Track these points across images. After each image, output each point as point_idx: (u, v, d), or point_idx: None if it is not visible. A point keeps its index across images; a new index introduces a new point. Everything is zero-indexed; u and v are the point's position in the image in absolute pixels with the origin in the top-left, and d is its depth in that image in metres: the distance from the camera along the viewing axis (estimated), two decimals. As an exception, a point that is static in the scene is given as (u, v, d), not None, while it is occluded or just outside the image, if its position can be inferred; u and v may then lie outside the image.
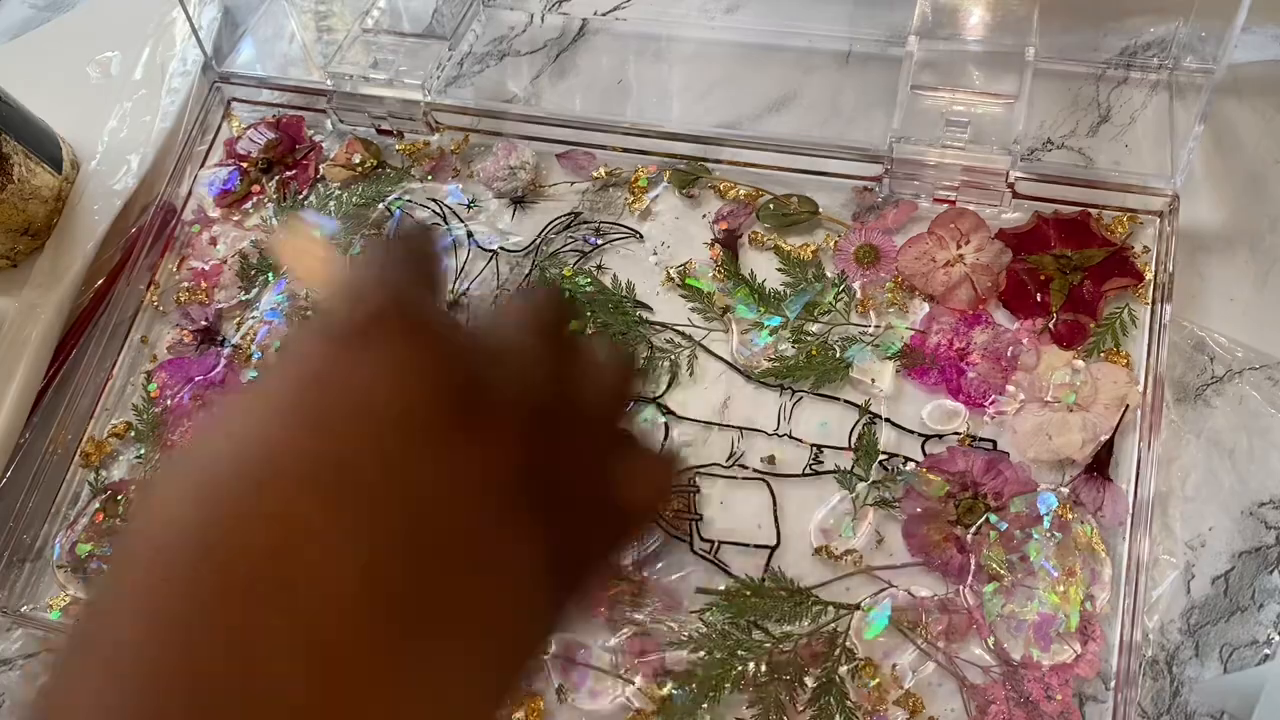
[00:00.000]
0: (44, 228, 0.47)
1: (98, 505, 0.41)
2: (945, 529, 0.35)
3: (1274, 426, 0.36)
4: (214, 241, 0.47)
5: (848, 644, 0.34)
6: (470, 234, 0.45)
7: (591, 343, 0.26)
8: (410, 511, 0.18)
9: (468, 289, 0.44)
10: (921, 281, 0.40)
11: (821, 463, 0.38)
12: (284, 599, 0.17)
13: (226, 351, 0.44)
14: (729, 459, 0.38)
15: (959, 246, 0.40)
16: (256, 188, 0.48)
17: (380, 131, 0.48)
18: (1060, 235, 0.40)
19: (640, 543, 0.38)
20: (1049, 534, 0.35)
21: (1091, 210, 0.40)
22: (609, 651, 0.36)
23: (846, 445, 0.38)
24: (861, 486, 0.37)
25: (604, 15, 0.50)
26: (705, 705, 0.34)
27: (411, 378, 0.19)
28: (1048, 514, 0.35)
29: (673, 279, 0.42)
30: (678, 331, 0.41)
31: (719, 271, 0.42)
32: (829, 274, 0.41)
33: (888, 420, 0.38)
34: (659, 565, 0.36)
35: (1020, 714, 0.33)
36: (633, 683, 0.35)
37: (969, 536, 0.35)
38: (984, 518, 0.35)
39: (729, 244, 0.42)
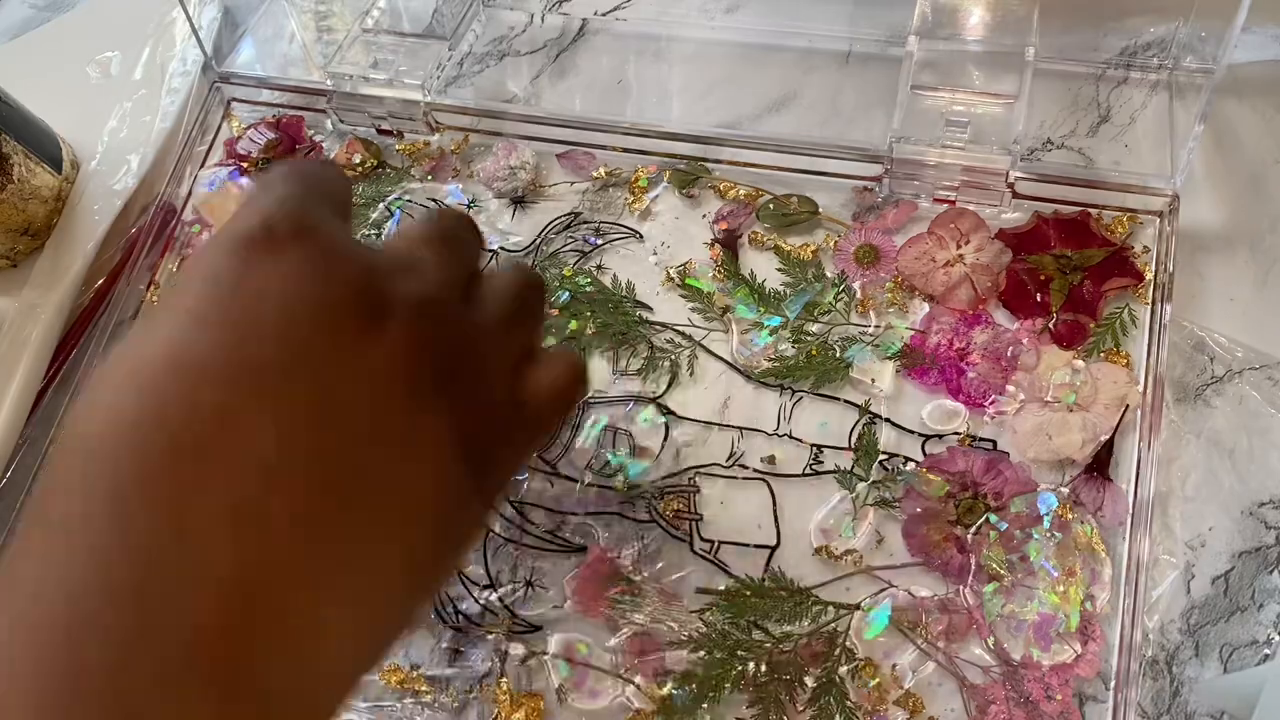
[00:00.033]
0: (44, 228, 0.47)
1: (98, 505, 0.41)
2: (945, 529, 0.35)
3: (1274, 426, 0.36)
4: (214, 241, 0.47)
5: (848, 644, 0.34)
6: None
7: (494, 265, 0.28)
8: (320, 396, 0.20)
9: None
10: (921, 281, 0.40)
11: (821, 463, 0.38)
12: (207, 472, 0.18)
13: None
14: (729, 459, 0.38)
15: (959, 246, 0.40)
16: (256, 188, 0.48)
17: (380, 131, 0.48)
18: (1060, 235, 0.40)
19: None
20: (1049, 534, 0.35)
21: (1091, 210, 0.40)
22: (609, 651, 0.36)
23: (846, 445, 0.38)
24: (861, 486, 0.37)
25: (604, 15, 0.50)
26: (705, 705, 0.34)
27: (317, 280, 0.21)
28: (1048, 514, 0.35)
29: (673, 279, 0.42)
30: (678, 331, 0.41)
31: (719, 271, 0.42)
32: (829, 274, 0.41)
33: (888, 420, 0.38)
34: (659, 565, 0.36)
35: (1020, 714, 0.33)
36: (633, 683, 0.35)
37: (969, 536, 0.35)
38: (984, 518, 0.35)
39: (729, 244, 0.42)
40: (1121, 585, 0.34)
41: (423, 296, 0.23)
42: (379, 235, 0.46)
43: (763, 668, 0.34)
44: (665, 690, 0.34)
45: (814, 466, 0.37)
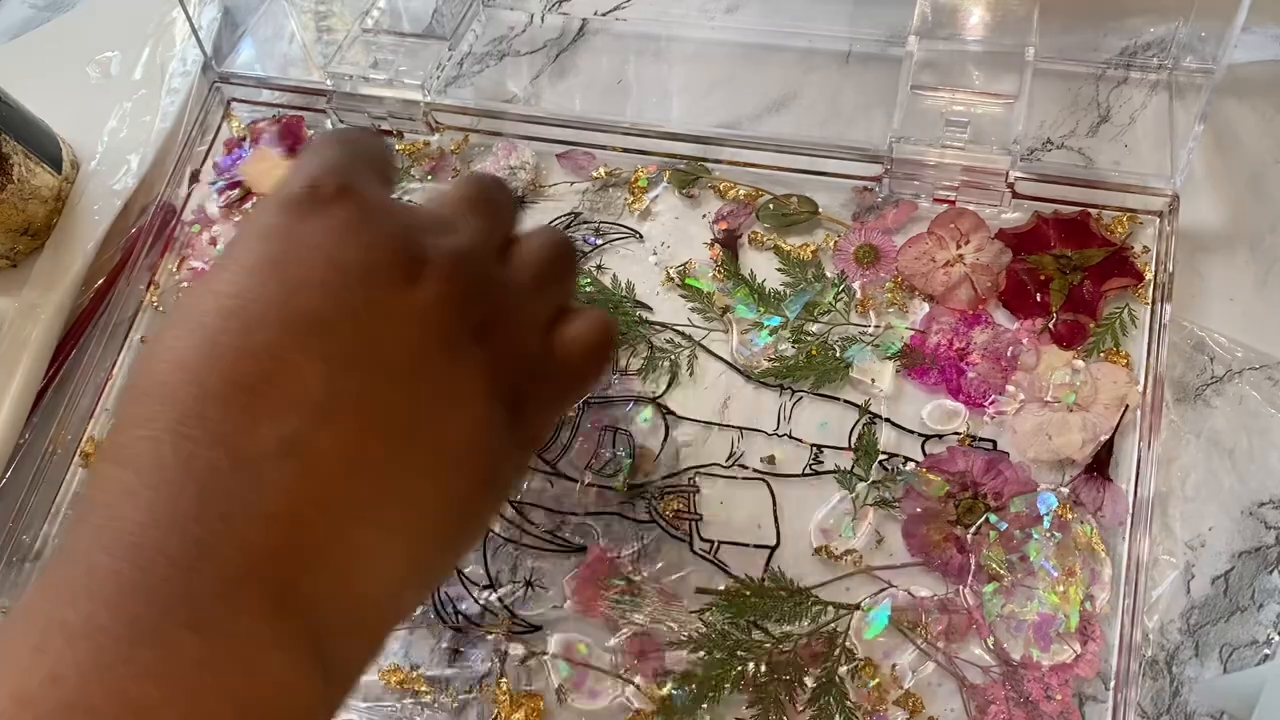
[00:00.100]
0: (44, 228, 0.47)
1: (98, 505, 0.41)
2: (945, 529, 0.35)
3: (1274, 426, 0.36)
4: (214, 241, 0.47)
5: (848, 644, 0.34)
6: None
7: (532, 227, 0.29)
8: (363, 342, 0.21)
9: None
10: (921, 281, 0.40)
11: (821, 463, 0.38)
12: (260, 408, 0.20)
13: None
14: (729, 459, 0.38)
15: (959, 246, 0.40)
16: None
17: (380, 132, 0.48)
18: (1060, 235, 0.40)
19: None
20: (1049, 534, 0.35)
21: (1091, 210, 0.40)
22: (609, 651, 0.36)
23: (846, 445, 0.38)
24: (861, 486, 0.37)
25: (604, 15, 0.50)
26: (705, 705, 0.34)
27: (360, 235, 0.22)
28: (1048, 514, 0.35)
29: (673, 279, 0.42)
30: (677, 331, 0.41)
31: (719, 271, 0.42)
32: (829, 274, 0.41)
33: (888, 420, 0.38)
34: (659, 565, 0.36)
35: (1020, 714, 0.33)
36: (633, 683, 0.35)
37: (969, 536, 0.35)
38: (984, 518, 0.35)
39: (729, 244, 0.42)
40: (1121, 585, 0.34)
41: (459, 253, 0.24)
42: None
43: (763, 668, 0.34)
44: (665, 690, 0.34)
45: (814, 466, 0.37)
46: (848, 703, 0.33)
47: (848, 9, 0.48)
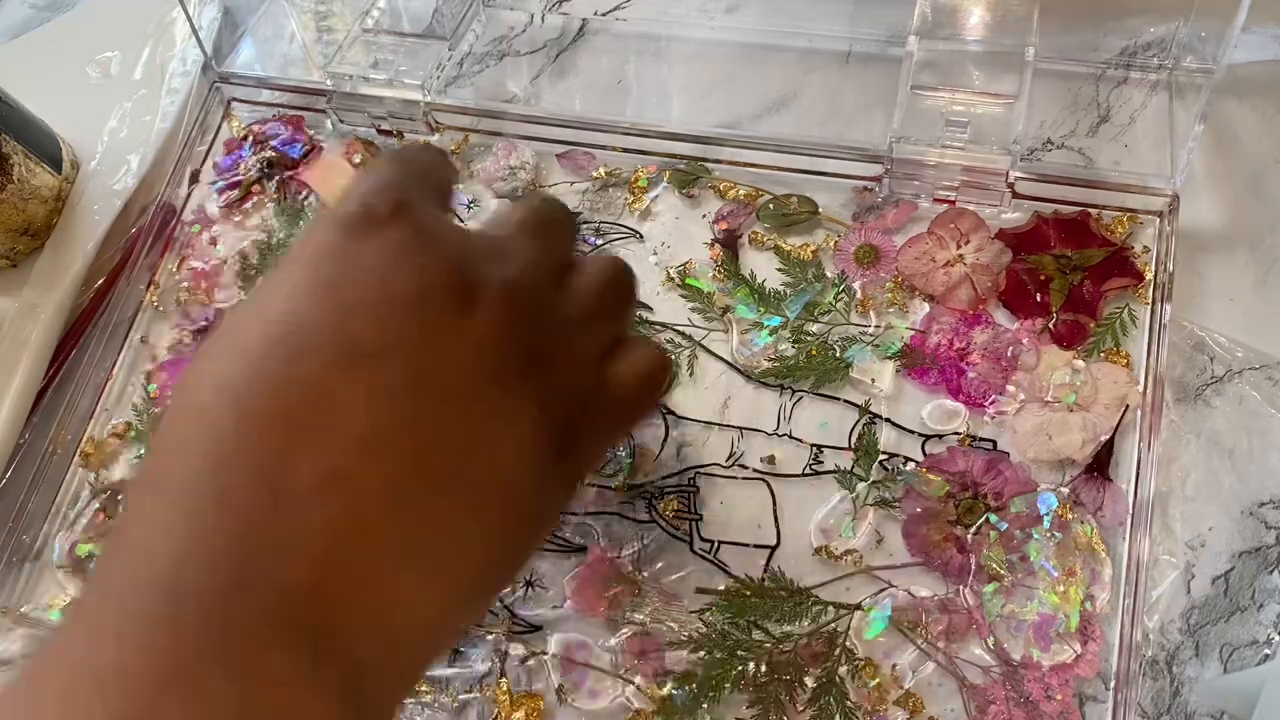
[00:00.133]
0: (44, 228, 0.47)
1: (98, 505, 0.41)
2: (945, 529, 0.35)
3: (1274, 426, 0.36)
4: (214, 241, 0.47)
5: (848, 644, 0.34)
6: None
7: (587, 253, 0.29)
8: (412, 374, 0.21)
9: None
10: (921, 281, 0.40)
11: (821, 463, 0.38)
12: (302, 441, 0.19)
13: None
14: (729, 459, 0.38)
15: (959, 246, 0.40)
16: (257, 187, 0.48)
17: (380, 131, 0.48)
18: (1060, 235, 0.40)
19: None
20: (1049, 534, 0.35)
21: (1091, 210, 0.40)
22: (609, 651, 0.36)
23: (846, 445, 0.38)
24: (861, 486, 0.37)
25: (604, 15, 0.50)
26: (705, 705, 0.34)
27: (413, 261, 0.22)
28: (1048, 514, 0.35)
29: (673, 279, 0.42)
30: (678, 331, 0.41)
31: (719, 271, 0.42)
32: (829, 274, 0.41)
33: (888, 420, 0.38)
34: (659, 565, 0.36)
35: (1020, 714, 0.33)
36: (633, 683, 0.35)
37: (969, 536, 0.35)
38: (984, 518, 0.35)
39: (729, 244, 0.42)
40: (1121, 585, 0.34)
41: (514, 281, 0.23)
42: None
43: (763, 668, 0.34)
44: (665, 690, 0.34)
45: (814, 466, 0.37)
46: (848, 703, 0.33)
47: (848, 9, 0.48)
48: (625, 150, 0.45)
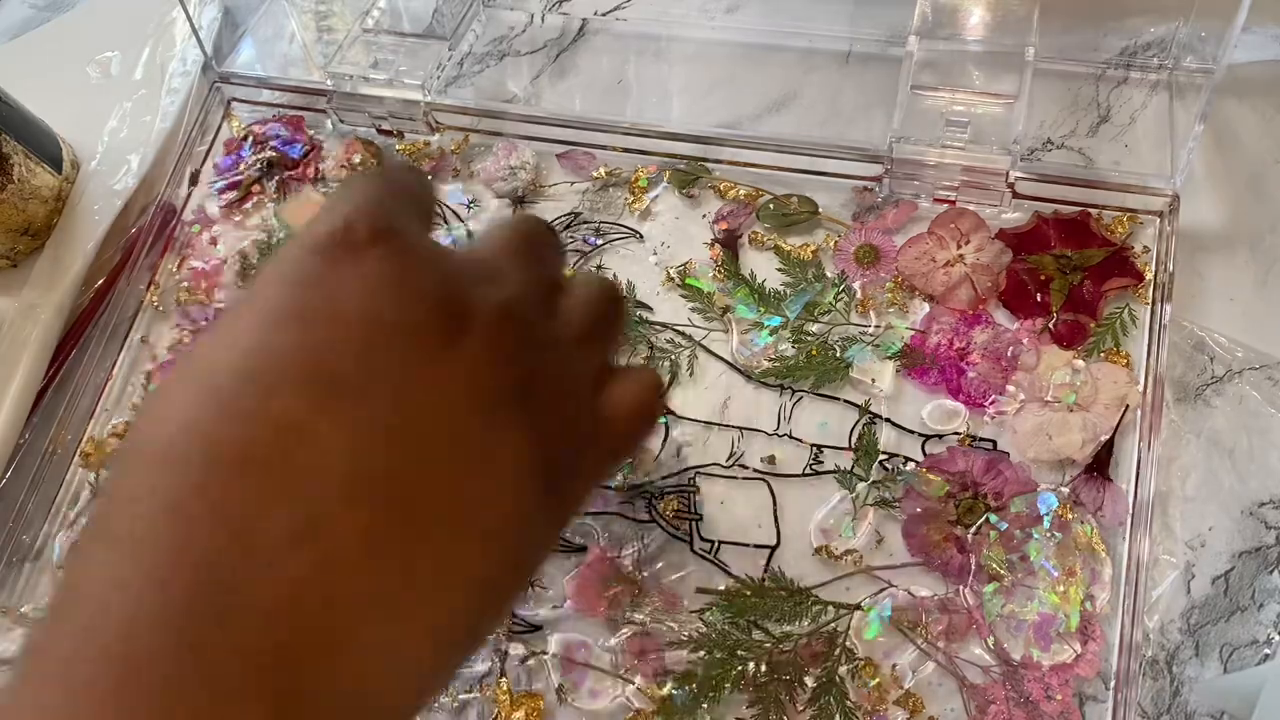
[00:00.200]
0: (44, 228, 0.47)
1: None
2: (945, 529, 0.35)
3: (1274, 426, 0.36)
4: (214, 241, 0.47)
5: (848, 644, 0.34)
6: (470, 234, 0.45)
7: (577, 273, 0.27)
8: (397, 409, 0.19)
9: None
10: (921, 281, 0.40)
11: (821, 463, 0.38)
12: (275, 487, 0.18)
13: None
14: (729, 459, 0.38)
15: (959, 246, 0.40)
16: (257, 187, 0.48)
17: (380, 131, 0.48)
18: (1060, 235, 0.40)
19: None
20: (1049, 534, 0.35)
21: (1091, 210, 0.40)
22: (609, 651, 0.36)
23: (846, 445, 0.38)
24: (861, 486, 0.37)
25: (604, 15, 0.50)
26: (705, 705, 0.34)
27: (396, 287, 0.20)
28: (1048, 514, 0.35)
29: (673, 279, 0.42)
30: (678, 331, 0.41)
31: (719, 271, 0.42)
32: (829, 274, 0.41)
33: (888, 420, 0.38)
34: (659, 565, 0.36)
35: (1020, 714, 0.33)
36: (633, 683, 0.35)
37: (969, 536, 0.35)
38: (984, 518, 0.35)
39: (729, 244, 0.42)
40: (1121, 585, 0.34)
41: (503, 308, 0.22)
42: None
43: (763, 668, 0.34)
44: (665, 690, 0.34)
45: (814, 466, 0.37)
46: (848, 703, 0.33)
47: (848, 9, 0.48)
48: (625, 150, 0.45)
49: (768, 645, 0.35)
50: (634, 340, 0.41)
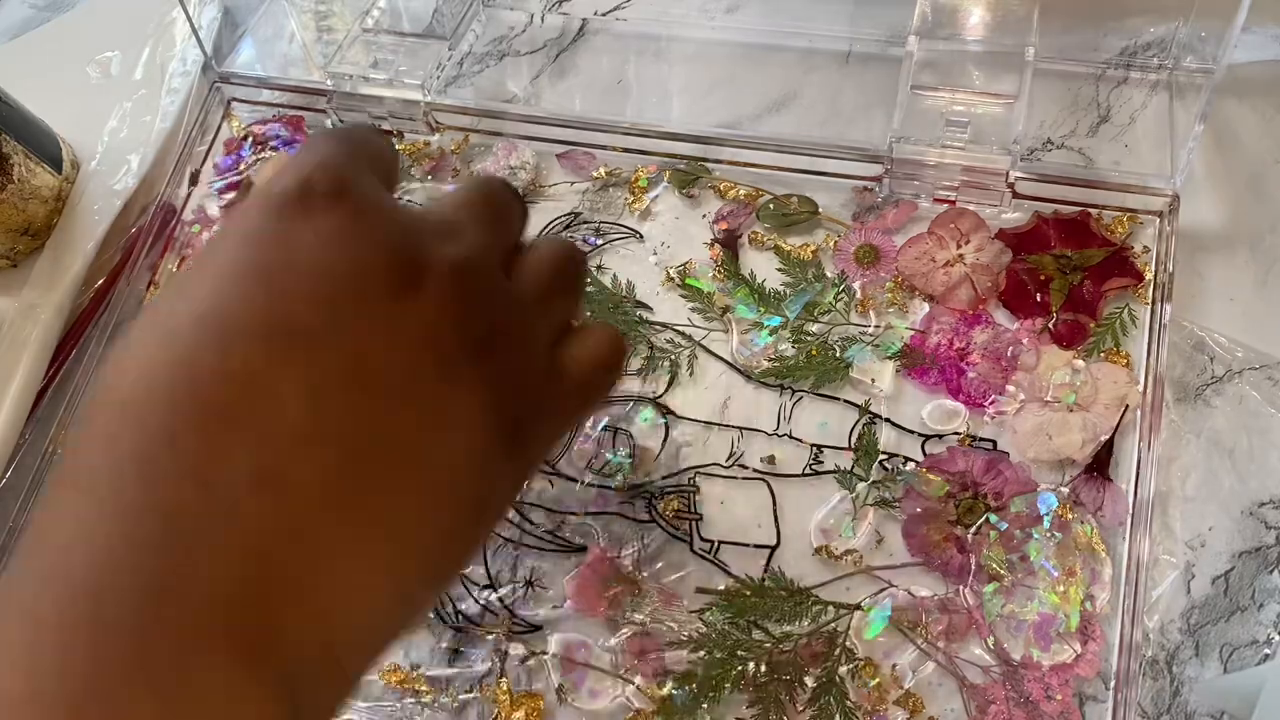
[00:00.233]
0: (44, 228, 0.47)
1: (98, 505, 0.41)
2: (945, 529, 0.35)
3: (1274, 426, 0.36)
4: (214, 241, 0.47)
5: (848, 644, 0.34)
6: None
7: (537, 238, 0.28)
8: (353, 359, 0.20)
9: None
10: (921, 281, 0.40)
11: (821, 463, 0.38)
12: (235, 434, 0.18)
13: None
14: (729, 459, 0.38)
15: (959, 246, 0.40)
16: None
17: (383, 130, 0.48)
18: (1060, 235, 0.40)
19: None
20: (1049, 534, 0.35)
21: (1091, 210, 0.40)
22: (609, 651, 0.36)
23: (846, 445, 0.38)
24: (861, 486, 0.37)
25: (604, 15, 0.50)
26: (705, 705, 0.34)
27: (354, 240, 0.21)
28: (1048, 514, 0.35)
29: (673, 279, 0.42)
30: (678, 331, 0.41)
31: (719, 271, 0.42)
32: (829, 274, 0.41)
33: (888, 420, 0.38)
34: (659, 565, 0.36)
35: (1020, 714, 0.33)
36: (633, 683, 0.35)
37: (969, 536, 0.35)
38: (984, 518, 0.35)
39: (729, 244, 0.42)
40: (1121, 585, 0.34)
41: (461, 261, 0.22)
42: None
43: (763, 668, 0.34)
44: (665, 690, 0.34)
45: (814, 466, 0.37)
46: (848, 703, 0.33)
47: (848, 9, 0.48)
48: (625, 150, 0.45)
49: (768, 645, 0.35)
50: (634, 340, 0.41)
